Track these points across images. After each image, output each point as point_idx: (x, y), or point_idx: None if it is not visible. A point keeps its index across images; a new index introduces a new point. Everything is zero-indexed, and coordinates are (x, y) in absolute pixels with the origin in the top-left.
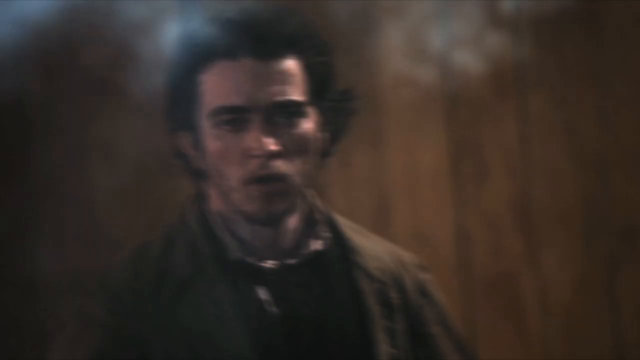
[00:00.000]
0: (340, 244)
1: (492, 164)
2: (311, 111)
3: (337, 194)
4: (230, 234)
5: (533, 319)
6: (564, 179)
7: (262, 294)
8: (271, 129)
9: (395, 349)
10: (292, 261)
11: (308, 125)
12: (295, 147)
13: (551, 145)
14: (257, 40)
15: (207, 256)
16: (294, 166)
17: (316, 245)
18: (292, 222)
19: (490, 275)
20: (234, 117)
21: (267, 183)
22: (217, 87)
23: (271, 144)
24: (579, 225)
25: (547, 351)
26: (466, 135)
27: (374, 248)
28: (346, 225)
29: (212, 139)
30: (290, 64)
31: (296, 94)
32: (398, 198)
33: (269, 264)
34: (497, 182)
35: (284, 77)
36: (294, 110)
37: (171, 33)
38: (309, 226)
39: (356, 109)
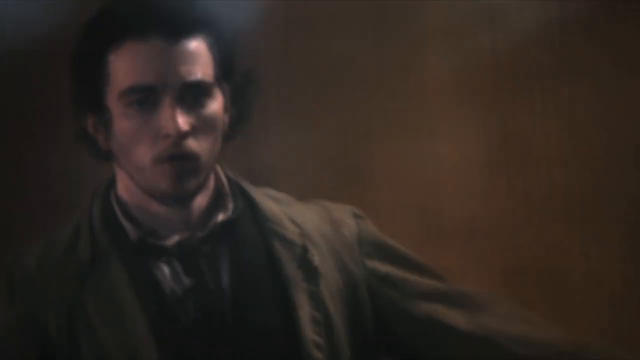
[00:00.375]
0: (253, 212)
1: (540, 154)
2: (217, 92)
3: (384, 185)
4: (128, 217)
5: (581, 310)
6: (609, 169)
7: (167, 272)
8: (182, 109)
9: (318, 311)
10: (199, 235)
11: (216, 105)
12: (204, 127)
13: (597, 135)
14: (165, 20)
15: (106, 241)
16: (204, 145)
17: (223, 216)
18: (202, 199)
19: (539, 265)
20: (145, 97)
21: (179, 161)
22: (127, 67)
23: (184, 124)
24: (623, 216)
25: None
26: (513, 124)
27: (295, 214)
28: (264, 194)
29: (122, 119)
30: (198, 45)
31: (205, 75)
32: (446, 189)
33: (172, 241)
34: (545, 171)
35: (192, 58)
36: (202, 91)
37: None
38: (218, 200)
39: (257, 93)
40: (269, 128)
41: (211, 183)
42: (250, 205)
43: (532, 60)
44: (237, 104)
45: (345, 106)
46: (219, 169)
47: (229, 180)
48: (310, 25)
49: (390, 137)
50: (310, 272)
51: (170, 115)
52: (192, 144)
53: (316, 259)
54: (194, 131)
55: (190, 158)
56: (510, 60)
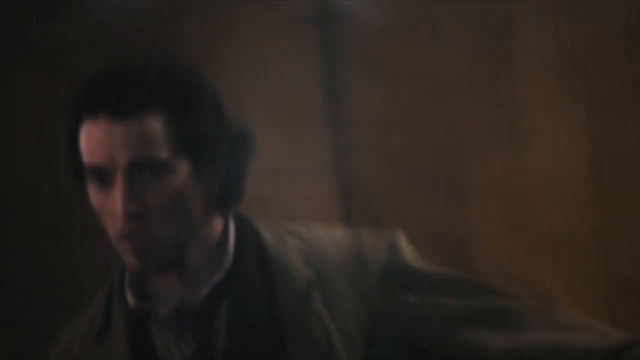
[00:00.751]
0: (262, 256)
1: (631, 168)
2: (181, 164)
3: (476, 198)
4: (133, 284)
5: None
6: None
7: (165, 340)
8: (132, 189)
9: (318, 353)
10: (198, 297)
11: (178, 178)
12: (163, 202)
13: None
14: (113, 99)
15: (116, 311)
16: (163, 221)
17: (218, 276)
18: (200, 255)
19: (633, 281)
20: (100, 176)
21: (132, 240)
22: (84, 145)
23: (128, 206)
24: None
25: None
26: (607, 137)
27: (313, 252)
28: (283, 231)
29: (91, 194)
30: (152, 121)
31: (157, 151)
32: (538, 201)
33: (169, 308)
34: (636, 185)
35: (143, 135)
36: (158, 167)
37: None
38: (219, 252)
39: (252, 148)
40: (360, 141)
41: (213, 235)
42: (259, 248)
43: (628, 73)
44: (228, 163)
45: (436, 118)
46: (221, 222)
47: (240, 222)
48: (403, 34)
49: (483, 150)
50: (315, 319)
51: (117, 196)
52: (144, 222)
53: (320, 304)
54: (147, 209)
55: (143, 236)
56: (605, 72)
